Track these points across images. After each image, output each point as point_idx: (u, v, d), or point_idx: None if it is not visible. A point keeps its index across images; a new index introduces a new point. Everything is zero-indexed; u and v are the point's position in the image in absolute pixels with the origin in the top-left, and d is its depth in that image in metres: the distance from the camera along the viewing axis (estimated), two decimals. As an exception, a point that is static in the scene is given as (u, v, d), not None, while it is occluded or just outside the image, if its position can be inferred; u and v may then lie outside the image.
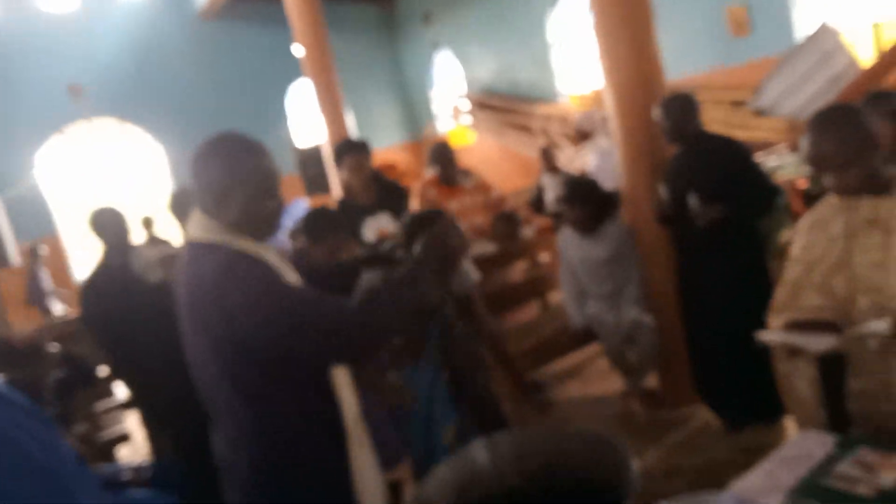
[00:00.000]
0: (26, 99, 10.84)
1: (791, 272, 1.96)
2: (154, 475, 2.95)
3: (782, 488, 1.49)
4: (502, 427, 2.38)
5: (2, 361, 2.83)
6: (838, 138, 1.71)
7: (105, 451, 3.63)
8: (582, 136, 5.80)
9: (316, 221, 2.71)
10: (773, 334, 1.88)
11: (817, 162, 1.77)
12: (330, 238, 2.60)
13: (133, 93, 11.65)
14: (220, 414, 1.71)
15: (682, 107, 3.05)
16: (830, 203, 1.89)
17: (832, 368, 1.80)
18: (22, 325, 6.96)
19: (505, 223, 4.08)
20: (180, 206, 3.38)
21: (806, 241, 1.93)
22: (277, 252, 1.77)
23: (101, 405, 4.06)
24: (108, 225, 3.31)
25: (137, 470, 3.01)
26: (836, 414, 1.81)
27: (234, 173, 1.61)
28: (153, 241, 8.58)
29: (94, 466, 3.08)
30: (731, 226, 2.99)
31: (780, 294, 1.98)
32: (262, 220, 1.67)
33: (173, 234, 3.92)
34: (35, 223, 10.79)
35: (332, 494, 1.69)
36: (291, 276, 1.72)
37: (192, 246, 1.66)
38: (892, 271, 1.72)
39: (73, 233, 11.26)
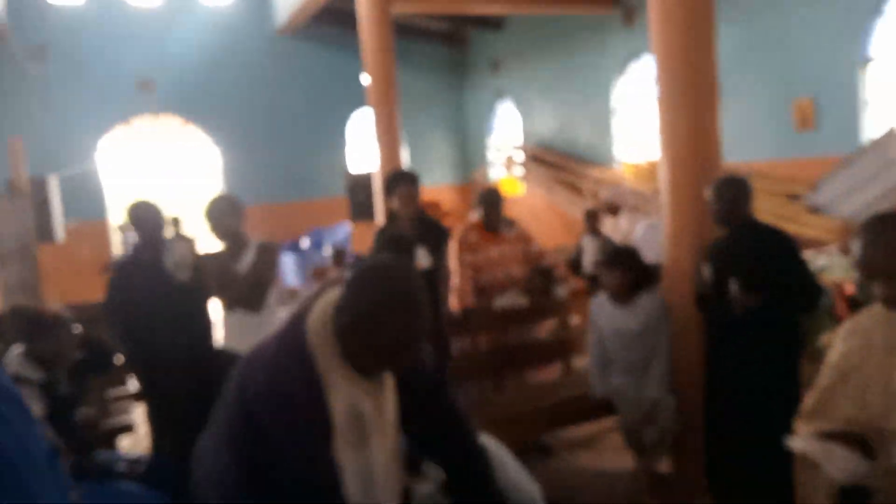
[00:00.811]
0: (98, 86, 11.28)
1: (825, 378, 1.89)
2: (148, 471, 2.95)
3: None
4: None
5: (27, 330, 2.88)
6: (892, 247, 1.65)
7: (108, 438, 3.63)
8: (611, 210, 5.79)
9: (390, 177, 3.60)
10: (803, 443, 1.80)
11: (867, 268, 1.71)
12: (400, 188, 3.34)
13: (200, 95, 12.03)
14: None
15: (736, 190, 3.00)
16: (874, 313, 1.81)
17: (855, 495, 1.71)
18: (57, 301, 7.11)
19: (541, 278, 4.04)
20: (216, 213, 3.43)
21: (844, 349, 1.85)
22: (368, 393, 1.63)
23: (113, 392, 4.08)
24: (143, 218, 3.39)
25: (133, 463, 3.01)
26: None
27: (379, 317, 1.48)
28: (179, 238, 9.05)
29: (95, 453, 3.09)
30: (768, 319, 2.91)
31: (812, 400, 1.91)
32: (372, 368, 1.59)
33: (201, 235, 3.98)
34: (87, 205, 11.12)
35: None
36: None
37: (296, 328, 1.56)
38: None
39: (121, 219, 11.59)
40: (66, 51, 11.13)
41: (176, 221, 9.27)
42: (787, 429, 2.89)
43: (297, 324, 1.56)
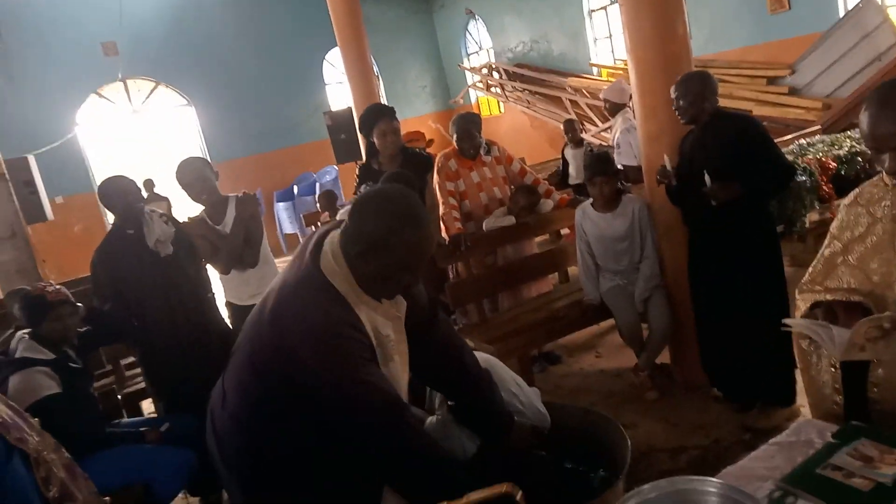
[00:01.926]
0: (61, 57, 10.96)
1: (826, 248, 1.87)
2: (170, 430, 3.07)
3: (775, 475, 1.47)
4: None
5: (32, 313, 2.94)
6: None
7: (129, 403, 3.76)
8: (612, 108, 5.72)
9: (365, 115, 3.65)
10: (799, 323, 1.78)
11: (876, 140, 1.59)
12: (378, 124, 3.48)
13: (167, 55, 11.73)
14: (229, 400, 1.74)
15: (698, 86, 3.01)
16: (879, 183, 1.77)
17: (855, 366, 1.73)
18: (55, 278, 7.18)
19: (524, 196, 4.09)
20: (189, 175, 3.40)
21: (847, 218, 1.83)
22: (387, 317, 1.72)
23: (126, 360, 4.19)
24: (116, 195, 3.30)
25: (154, 424, 3.13)
26: (854, 404, 1.75)
27: (388, 239, 1.56)
28: (153, 197, 9.35)
29: (113, 421, 3.21)
30: (743, 205, 2.97)
31: (813, 269, 1.89)
32: (388, 290, 1.67)
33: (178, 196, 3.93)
34: (73, 180, 11.04)
35: None
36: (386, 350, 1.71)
37: (311, 269, 1.62)
38: None
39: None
40: (22, 24, 10.78)
41: (149, 183, 9.50)
42: (775, 308, 3.00)
43: (310, 267, 1.61)
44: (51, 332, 2.92)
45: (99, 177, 11.71)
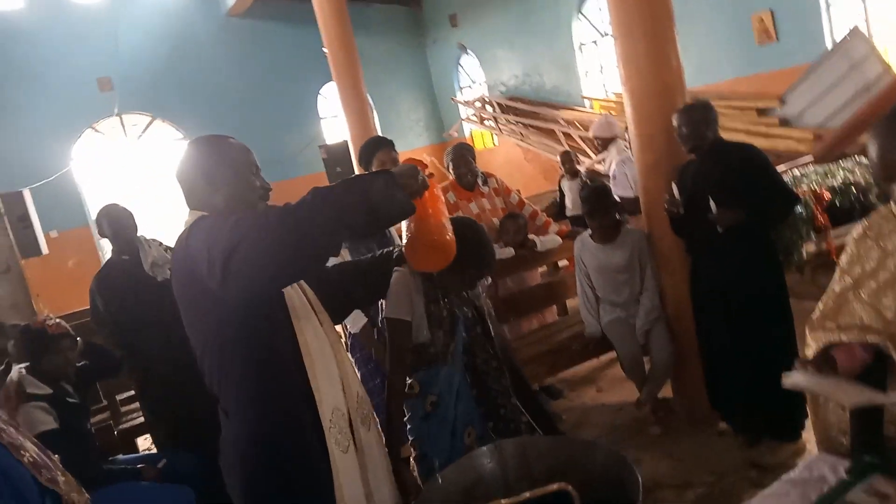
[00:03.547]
0: (57, 91, 11.02)
1: (837, 284, 1.83)
2: (168, 467, 3.02)
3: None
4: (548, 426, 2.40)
5: (32, 347, 2.90)
6: None
7: (126, 439, 3.70)
8: (602, 142, 5.78)
9: (365, 146, 3.53)
10: (801, 377, 1.68)
11: (887, 168, 1.55)
12: (378, 154, 3.31)
13: (162, 89, 11.81)
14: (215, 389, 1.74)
15: (701, 115, 3.05)
16: (889, 215, 1.73)
17: (867, 415, 1.67)
18: (48, 313, 7.13)
19: (511, 223, 4.06)
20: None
21: (856, 252, 1.79)
22: None
23: (123, 395, 4.13)
24: (113, 223, 3.36)
25: (152, 461, 3.08)
26: (867, 443, 1.69)
27: (213, 158, 1.69)
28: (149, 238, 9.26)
29: (109, 457, 3.16)
30: (747, 232, 2.98)
31: (824, 306, 1.84)
32: (251, 199, 1.73)
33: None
34: (67, 214, 11.02)
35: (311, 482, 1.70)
36: None
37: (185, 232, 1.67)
38: None
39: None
40: (17, 58, 10.84)
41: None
42: (781, 339, 2.99)
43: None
44: (50, 367, 2.88)
45: (94, 211, 11.61)
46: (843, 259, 1.84)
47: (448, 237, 1.87)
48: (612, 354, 4.02)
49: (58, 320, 2.97)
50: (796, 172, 5.34)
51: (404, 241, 1.92)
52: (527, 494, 1.33)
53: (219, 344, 1.64)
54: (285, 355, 1.68)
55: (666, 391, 3.75)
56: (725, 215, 2.94)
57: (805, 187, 4.83)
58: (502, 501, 1.29)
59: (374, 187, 1.43)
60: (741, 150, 3.10)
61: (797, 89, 7.39)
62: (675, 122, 3.11)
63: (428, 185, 1.60)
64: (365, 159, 4.06)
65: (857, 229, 1.83)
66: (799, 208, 4.55)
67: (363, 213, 1.41)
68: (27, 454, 0.99)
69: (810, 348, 1.83)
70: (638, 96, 3.46)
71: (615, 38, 3.53)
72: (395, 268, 2.17)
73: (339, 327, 2.59)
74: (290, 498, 1.69)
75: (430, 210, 1.79)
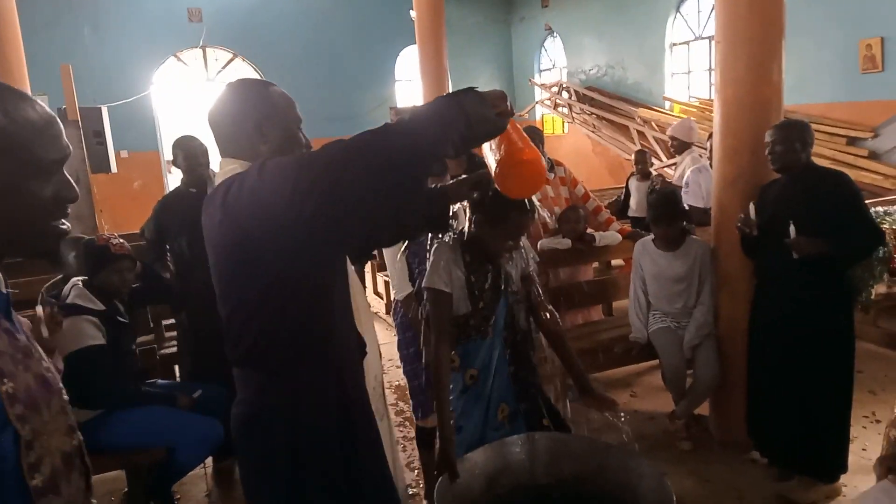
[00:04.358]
0: (148, 15, 11.26)
1: None
2: (202, 398, 3.08)
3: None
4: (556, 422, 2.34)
5: (93, 262, 2.96)
6: None
7: (166, 364, 3.79)
8: (679, 146, 5.59)
9: None
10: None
11: None
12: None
13: (249, 28, 11.96)
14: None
15: (798, 135, 2.89)
16: None
17: None
18: (111, 229, 7.36)
19: (573, 213, 3.97)
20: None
21: None
22: None
23: (167, 322, 4.22)
24: (188, 156, 3.42)
25: (189, 389, 3.15)
26: None
27: (265, 105, 1.57)
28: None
29: (148, 380, 3.24)
30: (823, 265, 2.83)
31: None
32: (296, 154, 1.59)
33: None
34: (139, 137, 11.32)
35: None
36: None
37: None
38: None
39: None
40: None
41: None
42: (839, 378, 2.85)
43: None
44: (106, 284, 2.94)
45: (165, 137, 11.97)
46: None
47: (538, 153, 1.80)
48: (651, 362, 3.93)
49: (122, 241, 3.02)
50: (879, 209, 5.09)
51: (492, 170, 1.83)
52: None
53: (274, 296, 1.48)
54: (342, 314, 1.61)
55: (702, 409, 3.66)
56: (806, 243, 2.79)
57: (886, 226, 4.60)
58: None
59: (469, 102, 1.36)
60: (834, 178, 2.92)
61: (894, 123, 7.05)
62: (768, 138, 2.96)
63: (514, 112, 1.54)
64: None
65: None
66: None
67: (462, 130, 1.32)
68: (8, 384, 0.94)
69: (888, 439, 1.73)
70: (731, 105, 3.32)
71: (717, 42, 3.38)
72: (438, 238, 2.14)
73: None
74: (343, 459, 1.59)
75: (515, 133, 1.73)
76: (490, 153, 1.78)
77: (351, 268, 1.71)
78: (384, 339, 5.60)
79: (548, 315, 2.40)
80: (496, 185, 1.82)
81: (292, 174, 1.30)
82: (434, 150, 1.30)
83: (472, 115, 1.33)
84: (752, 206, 3.06)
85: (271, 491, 1.56)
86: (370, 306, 1.77)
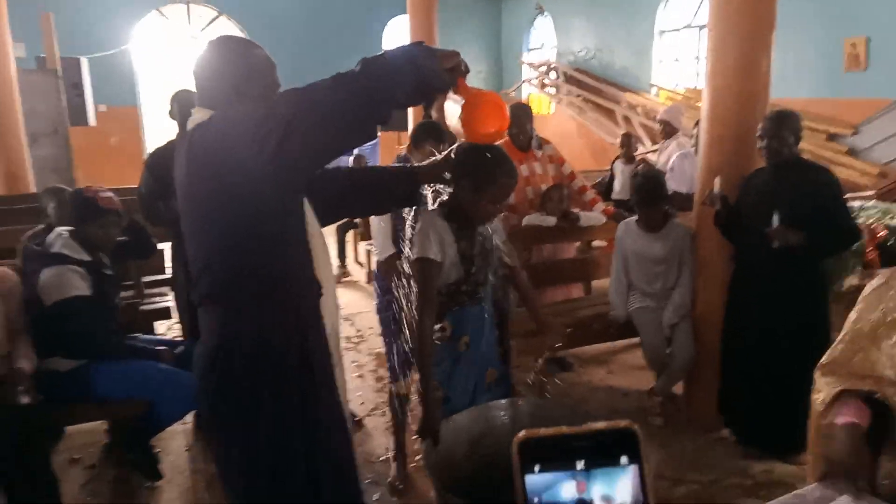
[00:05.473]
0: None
1: (852, 332, 1.77)
2: (183, 354, 3.08)
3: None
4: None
5: (80, 213, 2.93)
6: None
7: (147, 320, 3.77)
8: (667, 131, 5.68)
9: (420, 129, 3.26)
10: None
11: None
12: (428, 144, 3.02)
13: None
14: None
15: (793, 126, 2.98)
16: None
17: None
18: (87, 182, 7.25)
19: (555, 191, 4.02)
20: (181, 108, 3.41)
21: (875, 300, 1.74)
22: None
23: (149, 278, 4.19)
24: (183, 109, 3.35)
25: (169, 346, 3.15)
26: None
27: (244, 66, 1.62)
28: None
29: (131, 334, 3.23)
30: (802, 255, 2.92)
31: (837, 353, 1.78)
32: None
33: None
34: (118, 91, 11.09)
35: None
36: None
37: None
38: None
39: (152, 106, 11.53)
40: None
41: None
42: (812, 361, 2.93)
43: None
44: (93, 236, 2.91)
45: (144, 92, 11.74)
46: (860, 306, 1.77)
47: (495, 94, 1.82)
48: (629, 340, 4.01)
49: (110, 194, 2.99)
50: (856, 204, 5.21)
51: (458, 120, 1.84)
52: (600, 425, 1.32)
53: (240, 234, 1.56)
54: (299, 256, 1.66)
55: (676, 388, 3.76)
56: (786, 234, 2.87)
57: (861, 221, 4.72)
58: (564, 429, 1.29)
59: (421, 55, 1.47)
60: (819, 173, 3.02)
61: (874, 122, 7.19)
62: (761, 128, 3.02)
63: (468, 70, 1.62)
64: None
65: (878, 277, 1.79)
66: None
67: (412, 82, 1.45)
68: None
69: (820, 392, 1.78)
70: (719, 95, 3.37)
71: (709, 30, 3.42)
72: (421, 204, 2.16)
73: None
74: (300, 395, 1.65)
75: (473, 89, 1.73)
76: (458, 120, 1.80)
77: (313, 215, 1.73)
78: (365, 308, 5.63)
79: (508, 260, 2.41)
80: (465, 134, 1.81)
81: (255, 115, 1.43)
82: (385, 96, 1.44)
83: (423, 67, 1.45)
84: (717, 181, 3.13)
85: (229, 423, 1.64)
86: (328, 250, 1.81)
